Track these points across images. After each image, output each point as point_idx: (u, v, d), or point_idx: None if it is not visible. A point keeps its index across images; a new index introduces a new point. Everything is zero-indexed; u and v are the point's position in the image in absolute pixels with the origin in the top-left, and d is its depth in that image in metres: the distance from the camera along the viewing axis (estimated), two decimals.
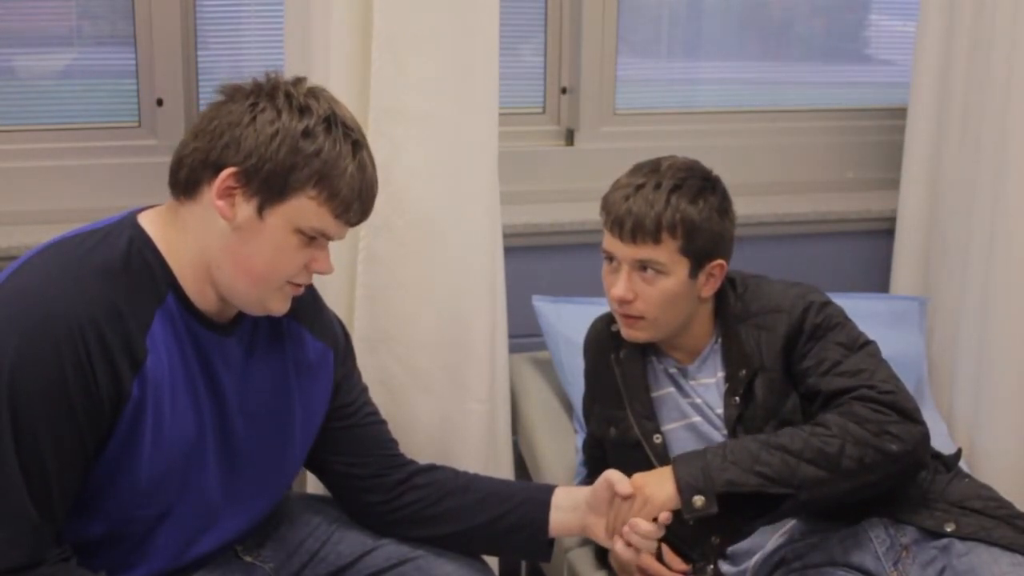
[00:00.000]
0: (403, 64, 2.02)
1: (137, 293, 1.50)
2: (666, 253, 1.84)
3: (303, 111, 1.51)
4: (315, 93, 1.55)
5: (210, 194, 1.51)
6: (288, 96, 1.52)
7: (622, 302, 1.88)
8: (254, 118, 1.50)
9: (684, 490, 1.74)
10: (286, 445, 1.72)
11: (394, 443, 1.86)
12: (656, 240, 1.84)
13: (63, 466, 1.45)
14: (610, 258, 1.90)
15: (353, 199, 1.54)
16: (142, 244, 1.53)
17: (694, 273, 1.87)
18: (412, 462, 1.85)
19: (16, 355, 1.42)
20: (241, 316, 1.63)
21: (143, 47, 2.47)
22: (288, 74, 2.13)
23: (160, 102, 2.49)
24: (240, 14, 2.63)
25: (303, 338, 1.72)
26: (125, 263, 1.51)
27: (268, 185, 1.50)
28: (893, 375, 1.88)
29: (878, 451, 1.77)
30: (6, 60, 2.49)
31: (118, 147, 2.49)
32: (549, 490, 1.84)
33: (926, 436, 1.82)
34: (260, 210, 1.51)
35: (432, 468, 1.85)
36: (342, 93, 2.02)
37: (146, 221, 1.56)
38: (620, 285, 1.87)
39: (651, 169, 1.89)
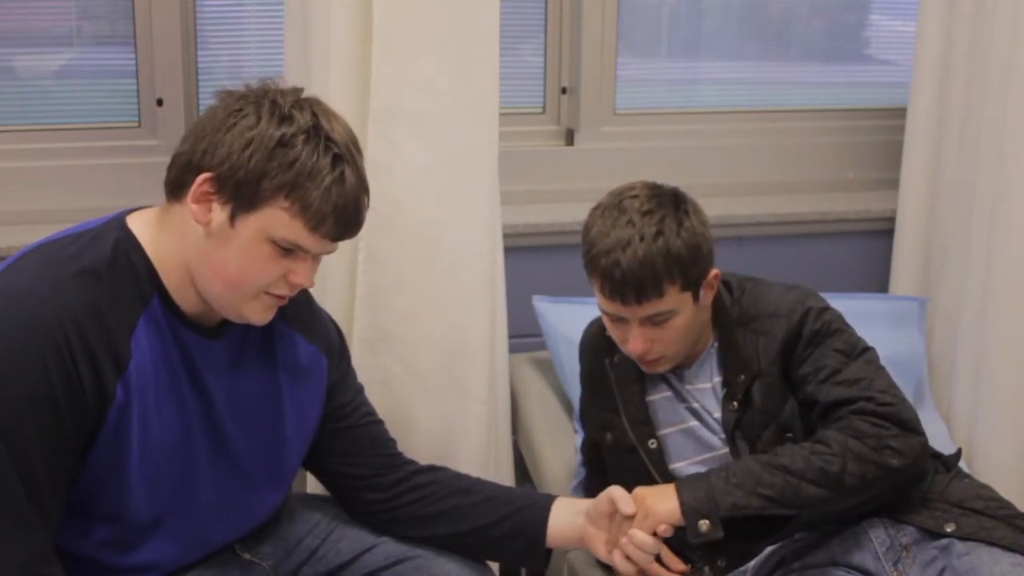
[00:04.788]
0: (403, 64, 2.02)
1: (122, 296, 1.50)
2: (671, 299, 1.83)
3: (284, 120, 1.49)
4: (303, 104, 1.52)
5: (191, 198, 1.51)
6: (273, 103, 1.50)
7: (642, 355, 1.88)
8: (234, 124, 1.49)
9: (688, 513, 1.74)
10: (280, 449, 1.72)
11: (392, 442, 1.86)
12: (660, 294, 1.81)
13: (51, 468, 1.45)
14: (612, 316, 1.88)
15: (327, 212, 1.51)
16: (128, 246, 1.52)
17: (696, 297, 1.87)
18: (411, 462, 1.85)
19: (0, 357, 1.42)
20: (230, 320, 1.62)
21: (143, 47, 2.47)
22: (288, 74, 2.15)
23: (160, 102, 2.49)
24: (240, 14, 2.63)
25: (295, 342, 1.71)
26: (110, 266, 1.50)
27: (239, 193, 1.49)
28: (892, 383, 1.88)
29: (879, 467, 1.77)
30: (6, 60, 2.49)
31: (118, 147, 2.49)
32: (550, 499, 1.83)
33: (926, 447, 1.83)
34: (232, 217, 1.50)
35: (432, 469, 1.85)
36: (342, 94, 2.02)
37: (135, 222, 1.56)
38: (636, 342, 1.86)
39: (627, 221, 1.82)
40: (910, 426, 1.81)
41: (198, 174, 1.49)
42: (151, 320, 1.53)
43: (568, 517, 1.81)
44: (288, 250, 1.53)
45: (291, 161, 1.48)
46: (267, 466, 1.71)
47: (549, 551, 1.83)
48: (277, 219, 1.50)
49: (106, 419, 1.48)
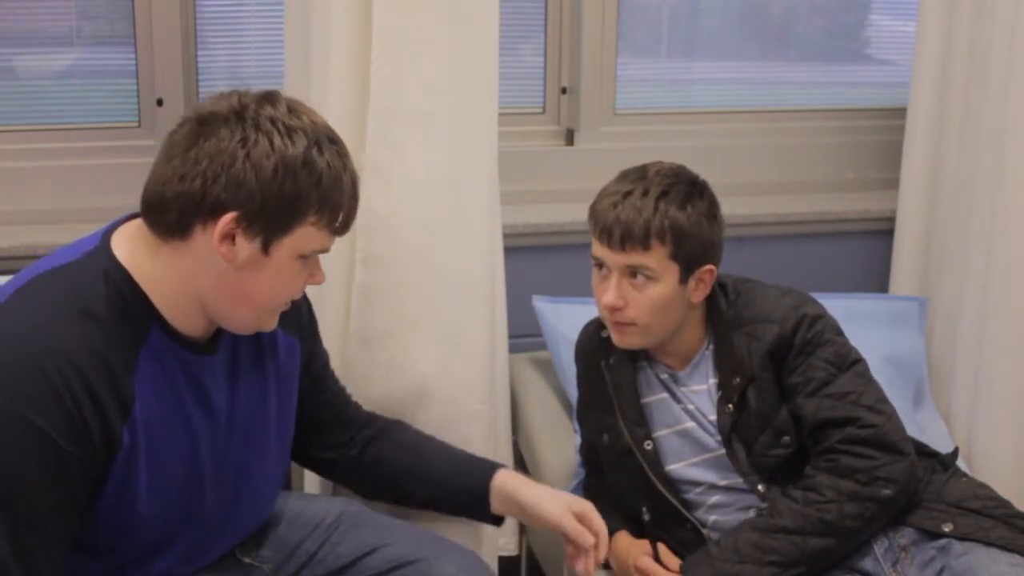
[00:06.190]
0: (403, 64, 2.02)
1: (120, 335, 1.45)
2: (655, 259, 1.84)
3: (292, 134, 1.45)
4: (293, 110, 1.49)
5: (205, 236, 1.45)
6: (272, 121, 1.45)
7: (613, 309, 1.88)
8: (247, 155, 1.43)
9: None
10: (275, 450, 1.71)
11: (348, 420, 1.89)
12: (645, 247, 1.83)
13: (56, 523, 1.40)
14: (599, 265, 1.89)
15: (352, 212, 1.53)
16: (119, 279, 1.47)
17: (684, 279, 1.87)
18: (362, 428, 1.89)
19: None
20: (221, 330, 1.59)
21: (143, 47, 2.47)
22: (288, 74, 2.15)
23: (160, 102, 2.48)
24: (240, 14, 2.63)
25: (275, 335, 1.70)
26: (107, 305, 1.45)
27: (273, 222, 1.46)
28: (880, 397, 1.89)
29: (874, 501, 1.80)
30: (6, 60, 2.49)
31: (118, 147, 2.49)
32: (490, 474, 1.84)
33: (913, 466, 1.85)
34: (265, 247, 1.47)
35: (379, 439, 1.88)
36: (342, 94, 2.03)
37: (121, 250, 1.49)
38: (610, 292, 1.86)
39: (638, 176, 1.88)
40: (896, 448, 1.83)
41: (215, 214, 1.44)
42: (151, 352, 1.49)
43: (504, 501, 1.83)
44: (308, 256, 1.53)
45: (317, 178, 1.46)
46: (264, 468, 1.71)
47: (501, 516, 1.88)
48: (308, 235, 1.49)
49: (114, 464, 1.45)
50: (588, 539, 1.75)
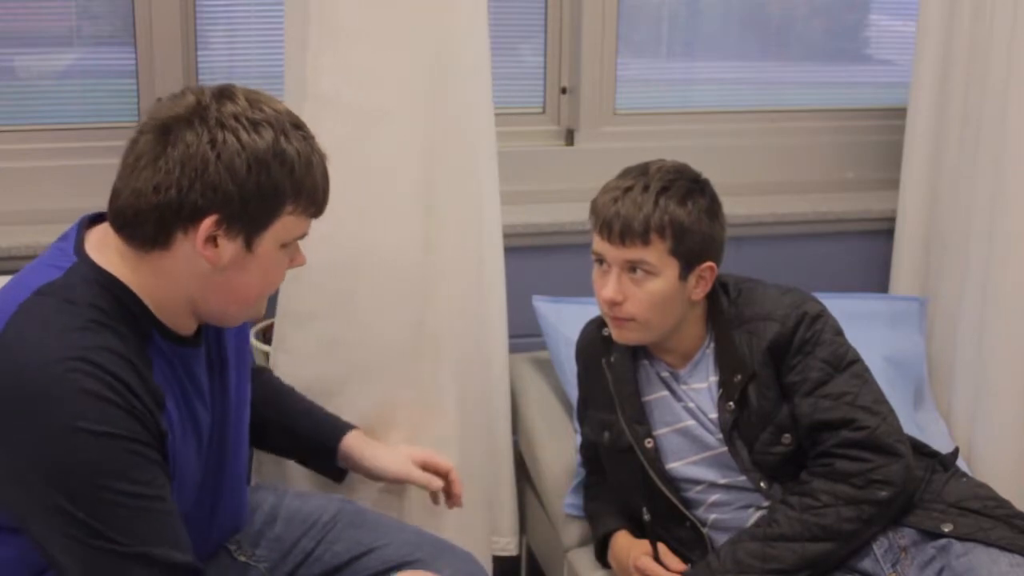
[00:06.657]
0: (340, 54, 1.96)
1: (132, 341, 1.44)
2: (655, 254, 1.84)
3: (258, 127, 1.43)
4: (254, 102, 1.46)
5: (187, 242, 1.44)
6: (236, 117, 1.43)
7: (612, 304, 1.88)
8: (219, 155, 1.41)
9: None
10: (244, 430, 1.71)
11: None
12: (645, 241, 1.84)
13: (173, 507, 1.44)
14: (600, 260, 1.90)
15: (326, 193, 1.52)
16: (114, 288, 1.45)
17: (684, 275, 1.87)
18: None
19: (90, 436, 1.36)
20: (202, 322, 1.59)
21: (143, 47, 2.47)
22: (288, 74, 2.14)
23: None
24: (240, 14, 2.63)
25: None
26: (109, 313, 1.43)
27: (254, 219, 1.45)
28: (877, 397, 1.89)
29: (870, 503, 1.81)
30: (6, 60, 2.49)
31: (118, 147, 2.46)
32: (340, 435, 1.91)
33: (909, 467, 1.85)
34: (248, 243, 1.46)
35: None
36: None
37: (102, 261, 1.47)
38: (610, 287, 1.87)
39: (639, 172, 1.89)
40: (891, 450, 1.83)
41: (195, 220, 1.42)
42: (158, 354, 1.49)
43: (354, 462, 1.91)
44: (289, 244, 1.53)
45: (290, 167, 1.45)
46: (241, 455, 1.70)
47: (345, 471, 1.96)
48: (288, 224, 1.48)
49: (167, 456, 1.46)
50: (436, 482, 1.92)
